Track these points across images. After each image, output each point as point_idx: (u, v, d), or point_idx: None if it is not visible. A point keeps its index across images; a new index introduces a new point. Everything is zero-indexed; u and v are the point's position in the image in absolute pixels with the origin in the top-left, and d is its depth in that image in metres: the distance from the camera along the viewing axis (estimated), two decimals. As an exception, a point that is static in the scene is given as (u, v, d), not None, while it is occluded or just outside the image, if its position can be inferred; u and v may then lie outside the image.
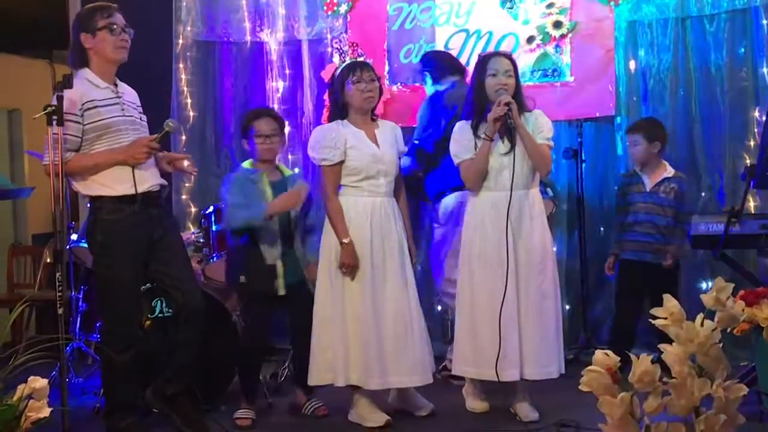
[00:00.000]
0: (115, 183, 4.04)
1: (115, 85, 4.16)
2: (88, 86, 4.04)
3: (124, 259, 4.06)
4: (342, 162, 4.36)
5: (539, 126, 4.38)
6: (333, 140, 4.35)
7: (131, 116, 4.15)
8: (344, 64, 4.55)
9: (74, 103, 3.94)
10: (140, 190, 4.07)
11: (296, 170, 5.28)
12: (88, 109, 3.99)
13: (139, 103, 4.31)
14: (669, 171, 5.29)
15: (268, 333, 4.69)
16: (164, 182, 4.29)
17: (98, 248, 4.13)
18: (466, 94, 4.57)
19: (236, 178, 4.63)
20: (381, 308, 4.31)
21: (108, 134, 4.04)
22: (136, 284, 4.13)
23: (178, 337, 4.22)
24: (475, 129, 4.38)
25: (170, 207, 4.38)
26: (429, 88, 5.59)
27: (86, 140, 4.03)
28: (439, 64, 5.60)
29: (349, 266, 4.29)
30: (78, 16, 4.18)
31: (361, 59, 4.67)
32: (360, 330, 4.29)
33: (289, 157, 6.30)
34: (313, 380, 4.43)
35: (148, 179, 4.13)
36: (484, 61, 4.45)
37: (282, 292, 4.57)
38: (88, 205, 5.01)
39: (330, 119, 4.52)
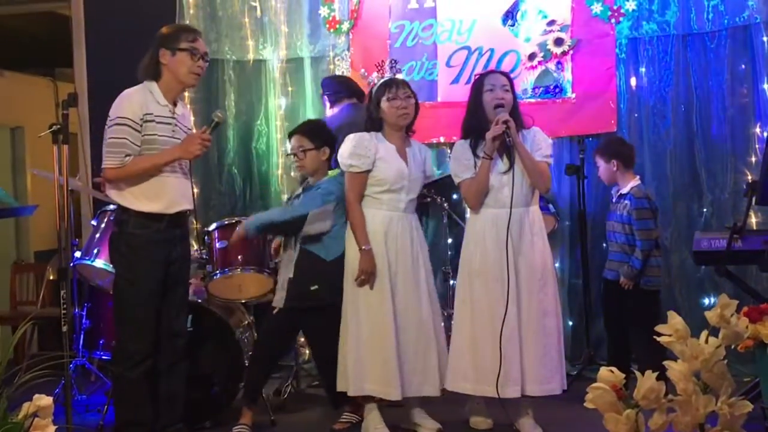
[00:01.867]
0: (149, 199, 4.06)
1: (175, 104, 4.19)
2: (150, 99, 4.07)
3: (146, 275, 4.07)
4: (369, 171, 4.40)
5: (537, 143, 4.40)
6: (365, 149, 4.40)
7: (179, 139, 4.16)
8: (381, 81, 4.57)
9: (136, 113, 3.98)
10: (173, 211, 4.10)
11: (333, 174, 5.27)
12: (147, 121, 4.03)
13: (191, 126, 4.35)
14: (627, 187, 5.11)
15: (287, 346, 4.79)
16: (192, 206, 4.32)
17: (122, 261, 4.13)
18: (360, 115, 4.65)
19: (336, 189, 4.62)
20: (397, 320, 4.34)
21: (153, 151, 4.05)
22: (154, 300, 4.11)
23: (160, 366, 4.16)
24: (473, 148, 4.41)
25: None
26: (327, 111, 5.76)
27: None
28: (335, 87, 5.73)
29: (368, 273, 4.32)
30: (163, 32, 4.19)
31: (399, 76, 4.68)
32: (378, 341, 4.31)
33: (292, 173, 6.30)
34: (338, 387, 4.47)
35: (181, 202, 4.17)
36: (480, 79, 4.50)
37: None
38: (93, 222, 5.06)
39: (364, 131, 4.55)
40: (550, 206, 5.71)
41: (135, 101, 4.01)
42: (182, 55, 4.10)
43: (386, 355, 4.30)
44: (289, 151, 4.71)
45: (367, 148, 4.40)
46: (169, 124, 4.11)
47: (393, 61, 4.80)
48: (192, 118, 4.36)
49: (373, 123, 4.50)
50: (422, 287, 4.46)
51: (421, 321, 4.41)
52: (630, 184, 5.11)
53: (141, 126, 4.00)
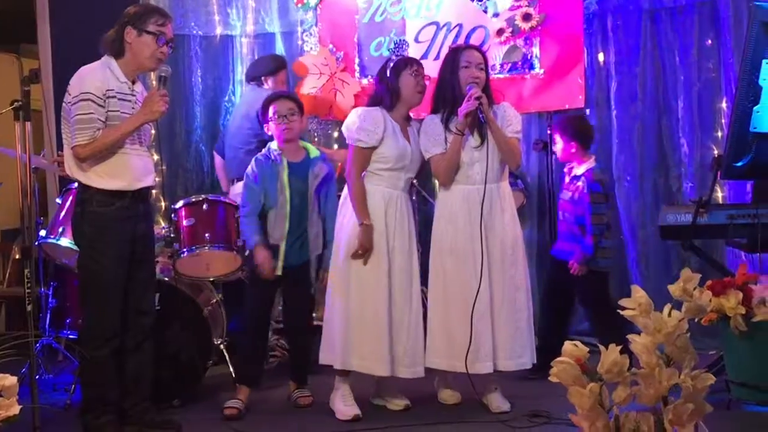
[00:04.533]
0: (111, 176, 4.02)
1: (133, 82, 4.14)
2: (110, 75, 4.02)
3: (111, 253, 4.04)
4: (374, 147, 4.38)
5: (508, 119, 4.40)
6: (374, 124, 4.37)
7: None
8: (400, 58, 4.56)
9: (99, 88, 3.94)
10: (137, 187, 4.07)
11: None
12: (110, 97, 3.98)
13: None
14: (582, 168, 5.03)
15: (265, 313, 4.71)
16: (155, 182, 4.28)
17: (85, 241, 4.09)
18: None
19: (259, 161, 4.64)
20: (391, 297, 4.35)
21: (113, 128, 4.00)
22: (120, 278, 4.08)
23: (127, 345, 4.14)
24: (445, 123, 4.39)
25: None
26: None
27: None
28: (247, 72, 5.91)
29: (365, 248, 4.32)
30: (132, 9, 4.12)
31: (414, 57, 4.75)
32: (371, 317, 4.32)
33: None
34: (320, 360, 4.50)
35: (145, 178, 4.13)
36: (455, 53, 4.46)
37: (279, 272, 4.56)
38: (58, 200, 5.01)
39: (371, 106, 4.52)
40: (519, 182, 5.72)
41: (97, 77, 3.96)
42: (148, 37, 4.04)
43: (379, 332, 4.30)
44: (276, 115, 4.60)
45: (377, 124, 4.37)
46: (129, 101, 4.07)
47: (402, 41, 4.85)
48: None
49: (388, 96, 4.45)
50: (414, 267, 4.47)
51: (412, 300, 4.42)
52: (585, 165, 5.03)
53: (104, 101, 3.96)
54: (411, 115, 4.62)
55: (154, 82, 5.69)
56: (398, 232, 4.41)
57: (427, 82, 4.55)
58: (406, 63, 4.48)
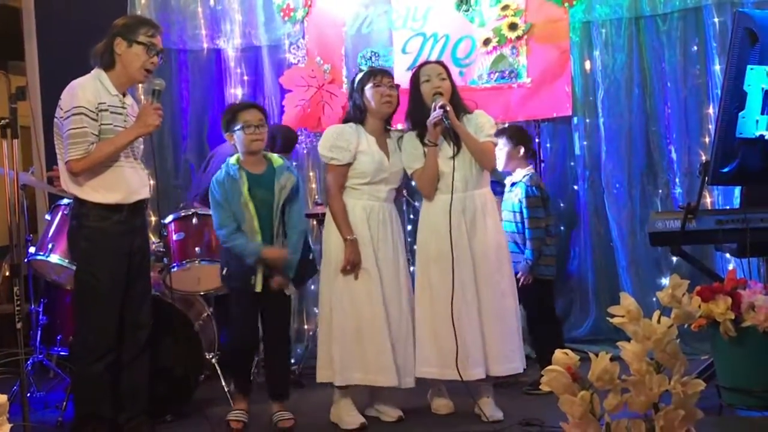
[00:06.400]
0: (107, 190, 4.02)
1: (124, 95, 4.15)
2: (101, 89, 4.02)
3: (107, 268, 4.03)
4: (350, 164, 4.40)
5: (480, 125, 4.44)
6: (346, 141, 4.40)
7: None
8: (365, 71, 4.59)
9: (91, 102, 3.94)
10: (132, 200, 4.07)
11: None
12: (102, 110, 3.98)
13: None
14: (520, 175, 5.03)
15: (252, 330, 4.58)
16: (149, 195, 4.28)
17: (82, 255, 4.09)
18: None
19: (219, 179, 4.47)
20: (385, 308, 4.35)
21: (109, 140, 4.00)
22: (117, 293, 4.07)
23: (122, 359, 4.13)
24: (421, 138, 4.44)
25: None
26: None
27: None
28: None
29: (353, 263, 4.32)
30: (122, 20, 4.13)
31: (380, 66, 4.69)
32: (365, 330, 4.32)
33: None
34: (318, 378, 4.47)
35: (140, 191, 4.14)
36: (416, 71, 4.55)
37: (258, 288, 4.44)
38: (47, 217, 5.00)
39: (345, 122, 4.54)
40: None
41: (89, 90, 3.96)
42: (138, 48, 4.05)
43: (381, 343, 4.31)
44: (245, 125, 4.43)
45: (348, 140, 4.40)
46: (121, 114, 4.08)
47: (374, 53, 4.83)
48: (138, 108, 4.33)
49: (356, 111, 4.49)
50: (402, 277, 4.48)
51: (402, 310, 4.43)
52: (523, 171, 5.04)
53: (97, 115, 3.95)
54: (389, 126, 4.61)
55: (142, 96, 5.71)
56: (382, 242, 4.42)
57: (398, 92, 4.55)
58: (369, 75, 4.50)
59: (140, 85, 6.07)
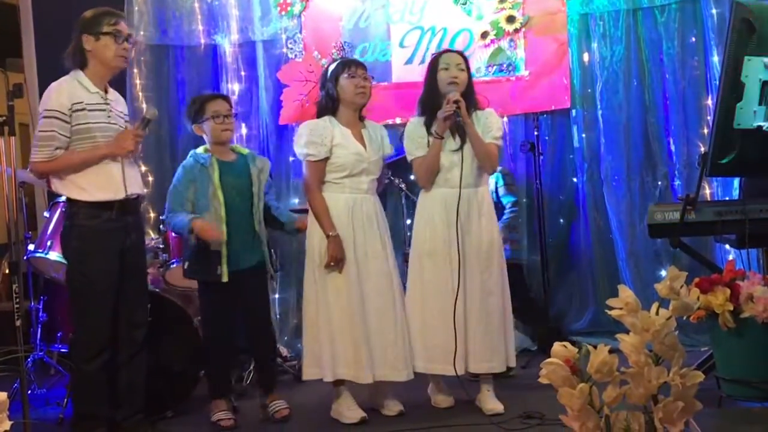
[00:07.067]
0: (95, 188, 4.00)
1: (106, 91, 4.13)
2: (78, 88, 4.00)
3: (99, 266, 4.02)
4: (327, 159, 4.37)
5: (489, 125, 4.41)
6: (320, 136, 4.36)
7: (116, 124, 4.11)
8: (338, 61, 4.56)
9: (63, 104, 3.92)
10: (122, 196, 4.04)
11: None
12: (78, 110, 3.96)
13: (127, 112, 4.32)
14: None
15: (224, 324, 4.51)
16: (144, 191, 4.26)
17: (73, 254, 4.08)
18: None
19: (187, 167, 4.50)
20: (367, 303, 4.34)
21: (90, 139, 3.99)
22: (109, 292, 4.05)
23: (119, 357, 4.12)
24: (428, 126, 4.41)
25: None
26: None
27: (71, 141, 3.99)
28: None
29: (337, 259, 4.30)
30: (83, 17, 4.11)
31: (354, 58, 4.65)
32: (347, 325, 4.30)
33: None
34: (305, 375, 4.46)
35: (132, 185, 4.11)
36: (436, 57, 4.50)
37: (225, 279, 4.39)
38: (46, 214, 5.00)
39: (318, 116, 4.51)
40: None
41: (63, 92, 3.94)
42: (106, 39, 4.03)
43: (356, 339, 4.30)
44: (215, 115, 4.47)
45: (323, 135, 4.36)
46: (103, 110, 4.05)
47: (347, 44, 4.79)
48: (125, 104, 4.33)
49: (329, 102, 4.46)
50: (390, 269, 4.46)
51: (392, 303, 4.41)
52: None
53: (70, 117, 3.94)
54: (364, 117, 4.58)
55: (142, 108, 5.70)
56: (368, 235, 4.39)
57: (372, 83, 4.53)
58: (344, 66, 4.47)
59: (138, 82, 6.18)
